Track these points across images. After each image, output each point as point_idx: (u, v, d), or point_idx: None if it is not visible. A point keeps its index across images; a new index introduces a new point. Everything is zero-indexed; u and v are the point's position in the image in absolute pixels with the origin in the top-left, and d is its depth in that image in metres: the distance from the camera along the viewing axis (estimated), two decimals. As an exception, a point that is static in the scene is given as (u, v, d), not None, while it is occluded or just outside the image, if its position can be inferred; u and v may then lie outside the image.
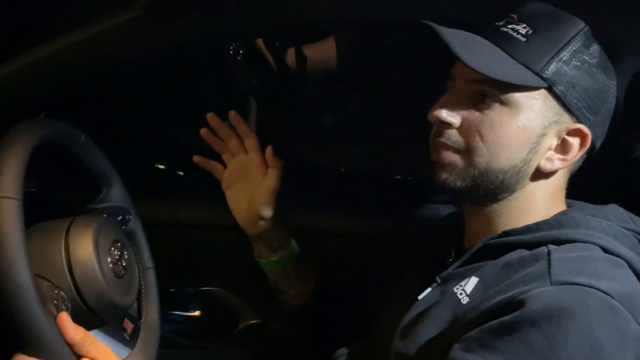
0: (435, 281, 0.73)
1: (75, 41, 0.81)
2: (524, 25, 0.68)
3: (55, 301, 0.66)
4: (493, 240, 0.71)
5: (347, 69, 1.27)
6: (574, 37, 0.68)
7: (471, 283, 0.69)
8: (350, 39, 1.27)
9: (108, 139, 0.87)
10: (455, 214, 0.86)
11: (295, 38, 1.24)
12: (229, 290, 1.17)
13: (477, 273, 0.69)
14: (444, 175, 0.71)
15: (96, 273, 0.70)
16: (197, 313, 1.18)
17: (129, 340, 0.79)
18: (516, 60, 0.67)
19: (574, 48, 0.68)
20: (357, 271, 0.99)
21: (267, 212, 0.93)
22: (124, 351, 0.77)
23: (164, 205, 1.16)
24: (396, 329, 0.73)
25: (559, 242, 0.67)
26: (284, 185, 0.94)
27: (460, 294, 0.69)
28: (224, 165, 0.97)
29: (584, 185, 0.75)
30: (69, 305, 0.68)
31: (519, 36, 0.68)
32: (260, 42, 1.18)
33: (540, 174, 0.71)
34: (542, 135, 0.69)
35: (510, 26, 0.69)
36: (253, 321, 1.16)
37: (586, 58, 0.69)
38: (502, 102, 0.68)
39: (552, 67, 0.67)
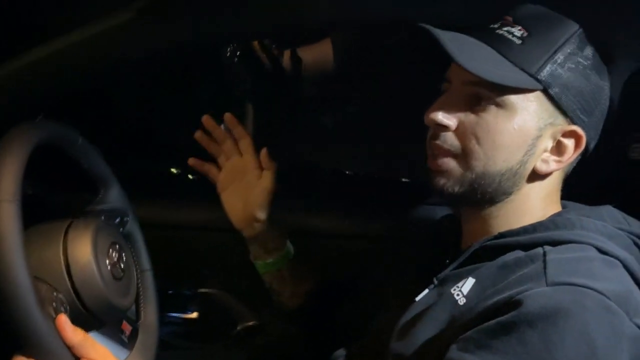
0: (433, 282, 0.73)
1: (75, 41, 0.81)
2: (519, 27, 0.69)
3: (53, 303, 0.66)
4: (489, 242, 0.71)
5: (344, 70, 1.27)
6: (568, 39, 0.69)
7: (468, 284, 0.69)
8: (346, 40, 1.27)
9: (107, 139, 0.87)
10: (452, 215, 0.86)
11: (293, 39, 1.24)
12: (227, 292, 1.17)
13: (474, 274, 0.70)
14: (442, 181, 0.71)
15: (94, 275, 0.70)
16: (195, 315, 1.18)
17: (127, 342, 0.79)
18: (511, 62, 0.68)
19: (569, 50, 0.69)
20: (354, 272, 0.99)
21: (262, 214, 0.93)
22: (123, 353, 0.77)
23: (161, 206, 1.16)
24: (394, 330, 0.73)
25: (554, 243, 0.67)
26: (282, 186, 0.94)
27: (458, 295, 0.69)
28: (219, 168, 0.97)
29: (580, 187, 0.75)
30: (68, 308, 0.68)
31: (514, 38, 0.68)
32: (257, 43, 1.18)
33: (535, 176, 0.71)
34: (538, 137, 0.69)
35: (505, 28, 0.69)
36: (251, 323, 1.16)
37: (580, 60, 0.69)
38: (498, 105, 0.68)
39: (547, 70, 0.68)
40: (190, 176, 1.15)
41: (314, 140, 1.27)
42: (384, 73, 1.20)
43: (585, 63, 0.70)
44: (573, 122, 0.70)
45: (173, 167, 1.23)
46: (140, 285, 0.87)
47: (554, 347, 0.58)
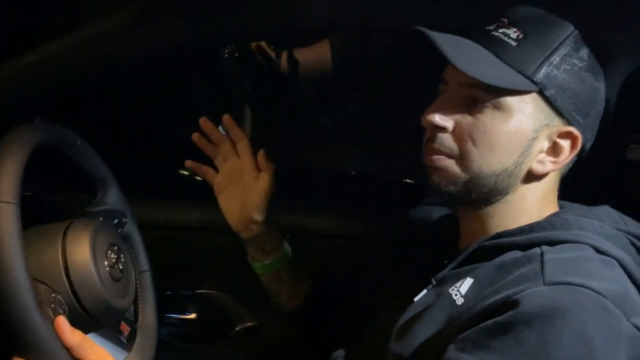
0: (431, 283, 0.74)
1: (75, 41, 0.81)
2: (515, 29, 0.69)
3: (52, 305, 0.66)
4: (487, 242, 0.71)
5: (342, 70, 1.28)
6: (564, 41, 0.69)
7: (466, 284, 0.69)
8: (345, 41, 1.28)
9: (107, 139, 0.87)
10: (451, 215, 0.86)
11: (292, 40, 1.24)
12: (225, 293, 1.17)
13: (471, 274, 0.70)
14: (437, 180, 0.72)
15: (93, 276, 0.70)
16: (193, 316, 1.17)
17: (126, 343, 0.79)
18: (507, 64, 0.68)
19: (564, 52, 0.69)
20: (353, 272, 0.99)
21: (260, 215, 0.93)
22: (121, 354, 0.77)
23: (160, 207, 1.16)
24: (393, 331, 0.73)
25: (551, 243, 0.67)
26: (280, 187, 0.94)
27: (456, 295, 0.69)
28: (217, 170, 0.97)
29: (577, 187, 0.75)
30: (66, 309, 0.68)
31: (509, 40, 0.68)
32: (255, 44, 1.18)
33: (532, 177, 0.71)
34: (534, 139, 0.70)
35: (501, 30, 0.69)
36: (249, 323, 1.16)
37: (576, 62, 0.69)
38: (494, 106, 0.68)
39: (543, 71, 0.68)
40: (197, 177, 1.15)
41: (314, 141, 1.27)
42: (382, 73, 1.20)
43: (581, 64, 0.70)
44: (569, 123, 0.70)
45: (182, 169, 1.23)
46: (138, 286, 0.87)
47: (551, 346, 0.58)
